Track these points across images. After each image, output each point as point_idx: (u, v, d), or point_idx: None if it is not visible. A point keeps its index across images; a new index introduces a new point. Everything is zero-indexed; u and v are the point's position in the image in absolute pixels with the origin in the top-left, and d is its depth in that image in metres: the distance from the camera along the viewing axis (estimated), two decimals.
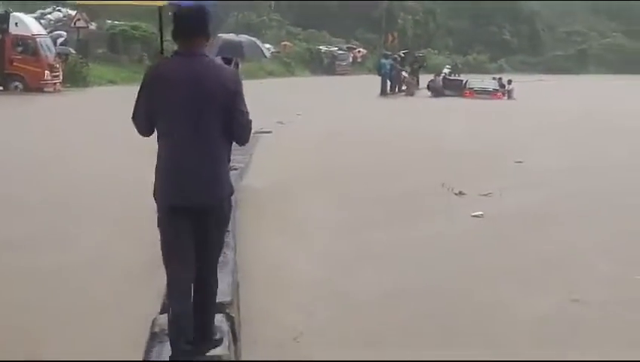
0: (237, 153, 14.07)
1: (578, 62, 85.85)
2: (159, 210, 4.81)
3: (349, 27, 73.90)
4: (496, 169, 14.79)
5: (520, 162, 15.56)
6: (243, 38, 14.41)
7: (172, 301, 4.85)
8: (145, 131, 4.87)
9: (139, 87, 4.83)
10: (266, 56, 18.12)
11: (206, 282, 4.95)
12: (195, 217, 4.77)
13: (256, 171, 13.79)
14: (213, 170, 4.76)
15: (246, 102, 4.84)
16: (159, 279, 5.31)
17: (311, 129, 21.10)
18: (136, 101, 4.81)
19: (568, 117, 27.35)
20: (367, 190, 12.40)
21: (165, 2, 4.82)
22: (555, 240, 9.29)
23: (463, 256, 8.47)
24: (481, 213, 10.51)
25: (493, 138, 20.02)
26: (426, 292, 7.15)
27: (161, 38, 5.08)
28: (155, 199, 4.83)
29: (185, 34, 4.74)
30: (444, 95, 40.26)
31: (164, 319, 5.16)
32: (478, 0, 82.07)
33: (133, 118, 4.84)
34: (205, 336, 4.98)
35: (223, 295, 5.65)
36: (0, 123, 20.05)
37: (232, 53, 12.23)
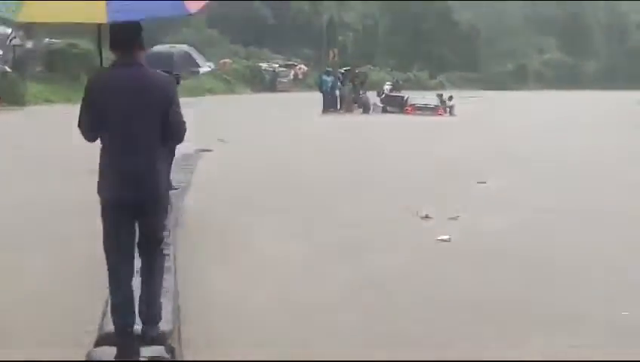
0: (178, 172, 13.90)
1: (517, 78, 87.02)
2: (102, 205, 5.27)
3: (289, 44, 73.92)
4: (458, 190, 14.08)
5: (483, 182, 14.79)
6: (176, 49, 14.07)
7: (111, 290, 5.36)
8: (90, 137, 5.27)
9: (82, 98, 5.18)
10: (199, 66, 17.82)
11: (150, 266, 5.44)
12: (135, 212, 5.24)
13: (198, 191, 13.49)
14: (150, 169, 5.22)
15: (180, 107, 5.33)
16: None
17: (254, 147, 20.83)
18: (80, 109, 5.20)
19: (514, 133, 27.51)
20: (320, 216, 11.44)
21: (105, 21, 4.87)
22: (532, 265, 8.64)
23: (429, 288, 7.67)
24: (447, 236, 9.82)
25: (446, 157, 19.30)
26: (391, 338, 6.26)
27: (100, 52, 5.13)
28: (98, 194, 5.27)
29: (123, 44, 5.17)
30: (384, 111, 40.39)
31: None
32: (417, 15, 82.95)
33: (79, 125, 5.23)
34: (150, 319, 5.43)
35: (164, 323, 5.70)
36: None
37: (163, 65, 11.94)
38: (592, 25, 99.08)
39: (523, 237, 10.08)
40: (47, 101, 36.91)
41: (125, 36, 5.17)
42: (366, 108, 40.48)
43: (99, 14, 4.92)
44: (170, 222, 8.42)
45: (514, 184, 14.94)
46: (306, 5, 79.56)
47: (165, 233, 5.90)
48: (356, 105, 40.91)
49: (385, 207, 12.27)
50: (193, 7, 5.33)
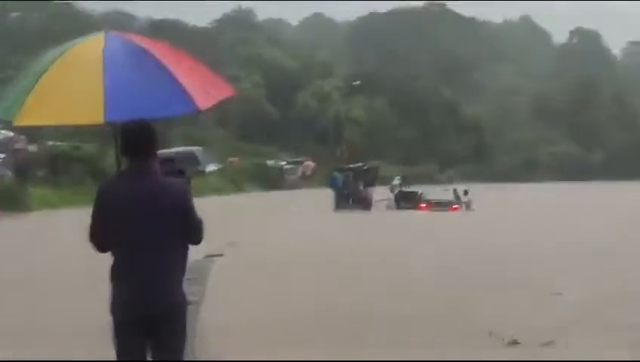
0: (190, 283, 12.46)
1: (525, 170, 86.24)
2: (115, 324, 4.92)
3: (296, 140, 73.53)
4: (533, 304, 12.01)
5: (559, 294, 12.66)
6: (181, 150, 13.00)
7: None
8: (102, 249, 4.99)
9: (92, 208, 4.93)
10: (199, 163, 16.72)
11: None
12: (151, 329, 4.89)
13: (213, 305, 12.01)
14: (166, 280, 4.90)
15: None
16: None
17: (268, 251, 19.46)
18: (92, 221, 4.93)
19: (553, 229, 26.06)
20: (364, 341, 9.69)
21: (102, 121, 4.62)
22: None
23: None
24: None
25: (494, 260, 17.24)
26: None
27: (117, 157, 4.64)
28: (111, 313, 4.94)
29: (135, 151, 4.86)
30: (399, 207, 39.46)
31: None
32: (424, 108, 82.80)
33: (91, 238, 4.96)
34: None
35: None
36: None
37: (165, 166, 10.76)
38: (600, 115, 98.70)
39: None
40: (50, 205, 35.85)
41: (137, 142, 4.87)
42: (368, 204, 39.45)
43: (96, 114, 4.79)
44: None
45: (590, 294, 12.91)
46: (311, 101, 79.37)
47: None
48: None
49: (451, 326, 10.45)
50: (203, 105, 5.11)
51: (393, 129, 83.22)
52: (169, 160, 7.72)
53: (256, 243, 21.38)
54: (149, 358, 5.03)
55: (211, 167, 51.71)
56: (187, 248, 5.15)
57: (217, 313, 11.31)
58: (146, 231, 4.89)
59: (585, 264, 17.07)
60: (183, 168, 9.47)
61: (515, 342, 9.15)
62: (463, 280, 14.39)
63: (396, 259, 17.82)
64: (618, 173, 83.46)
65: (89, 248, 5.11)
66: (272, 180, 62.98)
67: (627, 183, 69.45)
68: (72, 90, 5.04)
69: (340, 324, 10.74)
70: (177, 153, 40.92)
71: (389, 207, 39.94)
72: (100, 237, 4.96)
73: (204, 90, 5.28)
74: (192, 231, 5.06)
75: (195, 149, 48.30)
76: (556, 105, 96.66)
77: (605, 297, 12.63)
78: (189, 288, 11.86)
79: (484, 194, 45.35)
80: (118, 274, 4.96)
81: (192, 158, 46.13)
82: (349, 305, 12.13)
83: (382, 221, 32.53)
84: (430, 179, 69.63)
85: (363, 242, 22.32)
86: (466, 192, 40.61)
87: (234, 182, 57.98)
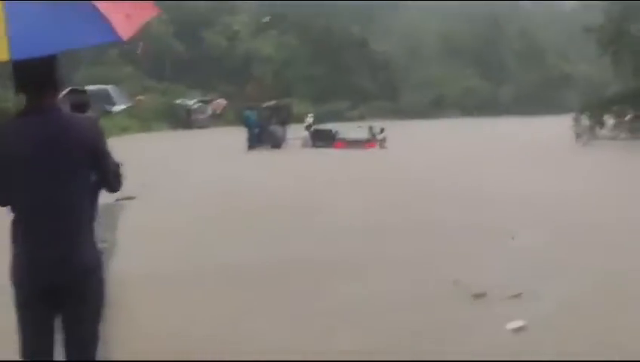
0: (97, 228, 11.45)
1: (435, 107, 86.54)
2: (15, 293, 4.18)
3: (206, 78, 71.94)
4: (493, 251, 11.11)
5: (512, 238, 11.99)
6: (94, 88, 12.01)
7: None
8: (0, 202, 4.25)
9: None
10: (114, 102, 15.73)
11: None
12: (59, 301, 4.15)
13: (125, 254, 10.99)
14: (75, 240, 4.15)
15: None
16: None
17: (183, 193, 18.52)
18: None
19: (466, 166, 25.63)
20: (301, 290, 8.92)
21: (6, 59, 3.56)
22: None
23: None
24: (521, 323, 7.33)
25: (418, 206, 16.34)
26: None
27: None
28: (11, 281, 4.19)
29: (30, 86, 4.13)
30: (314, 146, 38.82)
31: None
32: (335, 46, 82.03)
33: None
34: None
35: None
36: None
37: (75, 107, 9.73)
38: (507, 52, 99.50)
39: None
40: None
41: (33, 76, 4.10)
42: (278, 142, 38.68)
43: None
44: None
45: (539, 237, 12.17)
46: (220, 39, 77.62)
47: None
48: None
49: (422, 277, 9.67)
50: (125, 32, 4.09)
51: (304, 66, 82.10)
52: (79, 91, 6.56)
53: (168, 185, 20.38)
54: (60, 335, 4.27)
55: (120, 106, 49.98)
56: (98, 197, 4.68)
57: (131, 261, 10.33)
58: (48, 180, 4.11)
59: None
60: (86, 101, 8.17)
61: (478, 295, 8.42)
62: (405, 223, 13.78)
63: (325, 204, 17.04)
64: (526, 109, 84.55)
65: None
66: (180, 119, 61.60)
67: (535, 118, 70.35)
68: None
69: (260, 269, 10.01)
70: (90, 92, 39.25)
71: (304, 146, 39.24)
72: None
73: (124, 12, 4.39)
74: (108, 177, 4.40)
75: (109, 87, 46.34)
76: (463, 43, 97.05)
77: None
78: (97, 233, 10.86)
79: (396, 131, 44.90)
80: (17, 235, 4.18)
81: (105, 97, 44.34)
82: (271, 250, 11.36)
83: (301, 161, 31.64)
84: (342, 117, 69.19)
85: (284, 184, 21.44)
86: (381, 130, 40.14)
87: (141, 121, 56.43)
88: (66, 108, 4.98)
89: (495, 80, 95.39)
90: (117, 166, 4.44)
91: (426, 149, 35.47)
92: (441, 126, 60.97)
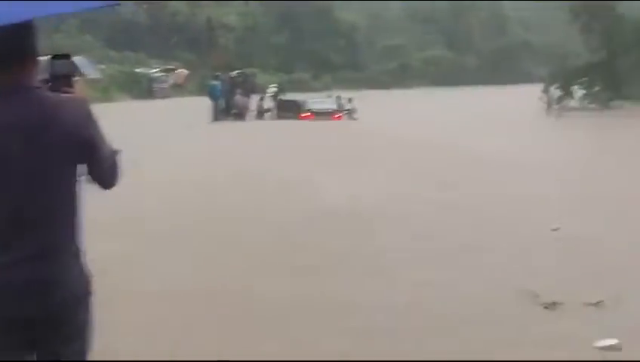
0: None
1: (400, 76, 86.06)
2: None
3: (167, 47, 70.63)
4: (538, 247, 9.64)
5: (556, 229, 10.44)
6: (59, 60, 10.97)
7: None
8: None
9: None
10: (81, 73, 14.65)
11: None
12: (35, 336, 3.18)
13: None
14: (57, 258, 3.17)
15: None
16: None
17: (154, 167, 17.51)
18: None
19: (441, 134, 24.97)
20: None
21: None
22: None
23: None
24: (615, 341, 6.04)
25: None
26: None
27: None
28: None
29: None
30: (279, 117, 38.08)
31: None
32: (298, 14, 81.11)
33: None
34: None
35: None
36: None
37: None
38: (473, 21, 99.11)
39: None
40: None
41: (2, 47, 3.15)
42: (242, 113, 37.80)
43: None
44: None
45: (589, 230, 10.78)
46: (182, 6, 76.16)
47: None
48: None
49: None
50: None
51: (267, 35, 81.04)
52: (62, 55, 5.28)
53: (137, 158, 19.42)
54: None
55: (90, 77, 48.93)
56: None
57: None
58: (23, 182, 3.15)
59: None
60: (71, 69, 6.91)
61: (553, 305, 7.06)
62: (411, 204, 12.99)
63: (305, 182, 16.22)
64: (490, 78, 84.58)
65: None
66: (142, 89, 60.46)
67: (500, 88, 70.41)
68: None
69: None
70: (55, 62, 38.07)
71: (259, 117, 38.58)
72: None
73: None
74: (102, 171, 3.35)
75: (77, 58, 45.18)
76: (428, 12, 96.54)
77: None
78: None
79: (363, 102, 44.18)
80: None
81: (73, 68, 43.18)
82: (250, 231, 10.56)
83: (262, 130, 30.77)
84: (306, 87, 68.43)
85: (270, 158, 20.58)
86: (349, 100, 39.46)
87: (102, 91, 55.20)
88: (46, 79, 4.07)
89: (460, 49, 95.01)
90: (113, 155, 3.43)
91: (397, 119, 34.80)
92: (408, 96, 60.64)
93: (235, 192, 14.38)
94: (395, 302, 7.20)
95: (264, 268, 8.56)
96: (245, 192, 14.37)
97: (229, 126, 33.38)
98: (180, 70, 65.73)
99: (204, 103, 37.64)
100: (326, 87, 69.61)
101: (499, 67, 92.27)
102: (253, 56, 74.73)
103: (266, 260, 8.91)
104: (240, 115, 37.91)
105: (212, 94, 37.17)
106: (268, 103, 40.98)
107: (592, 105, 45.76)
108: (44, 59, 5.56)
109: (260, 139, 26.86)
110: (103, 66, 58.93)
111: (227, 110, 37.45)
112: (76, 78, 4.51)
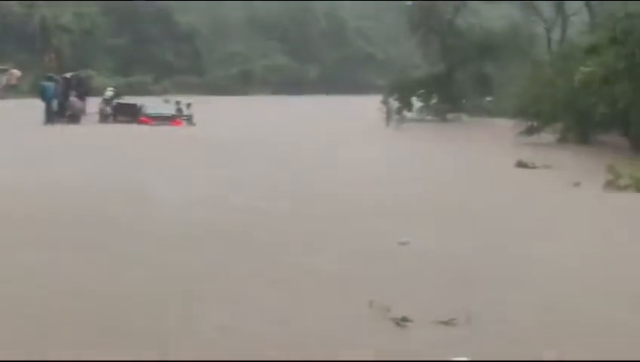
0: None
1: (241, 83, 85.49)
2: None
3: None
4: (385, 257, 9.44)
5: (405, 243, 10.17)
6: None
7: None
8: None
9: None
10: None
11: None
12: None
13: None
14: None
15: None
16: None
17: None
18: None
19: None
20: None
21: None
22: None
23: None
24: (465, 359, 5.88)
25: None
26: None
27: None
28: None
29: None
30: (116, 121, 36.92)
31: None
32: (138, 16, 79.35)
33: None
34: None
35: None
36: None
37: None
38: (314, 30, 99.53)
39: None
40: None
41: None
42: (77, 116, 36.40)
43: None
44: None
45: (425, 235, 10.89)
46: (15, 5, 72.89)
47: None
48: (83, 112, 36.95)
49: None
50: None
51: (105, 37, 78.77)
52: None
53: None
54: None
55: None
56: None
57: None
58: None
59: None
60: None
61: (404, 321, 6.79)
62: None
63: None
64: (332, 88, 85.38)
65: None
66: None
67: (340, 97, 71.13)
68: None
69: None
70: None
71: (102, 121, 37.26)
72: None
73: None
74: None
75: None
76: (269, 19, 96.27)
77: None
78: None
79: (203, 108, 43.46)
80: None
81: None
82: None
83: (96, 134, 29.71)
84: (144, 91, 66.79)
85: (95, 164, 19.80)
86: (188, 106, 38.63)
87: None
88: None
89: (301, 58, 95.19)
90: None
91: (235, 127, 34.38)
92: (248, 103, 60.28)
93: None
94: None
95: None
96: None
97: (61, 129, 32.03)
98: (12, 71, 62.92)
99: (37, 105, 35.89)
100: (165, 92, 68.12)
101: (341, 77, 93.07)
102: (90, 58, 72.39)
103: None
104: (75, 117, 36.32)
105: (44, 96, 35.43)
106: (103, 106, 39.53)
107: (430, 117, 46.82)
108: None
109: (92, 142, 25.98)
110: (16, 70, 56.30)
111: (61, 112, 35.90)
112: None
